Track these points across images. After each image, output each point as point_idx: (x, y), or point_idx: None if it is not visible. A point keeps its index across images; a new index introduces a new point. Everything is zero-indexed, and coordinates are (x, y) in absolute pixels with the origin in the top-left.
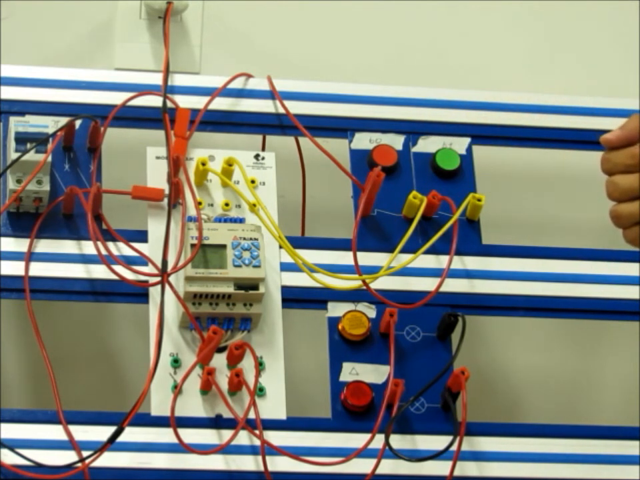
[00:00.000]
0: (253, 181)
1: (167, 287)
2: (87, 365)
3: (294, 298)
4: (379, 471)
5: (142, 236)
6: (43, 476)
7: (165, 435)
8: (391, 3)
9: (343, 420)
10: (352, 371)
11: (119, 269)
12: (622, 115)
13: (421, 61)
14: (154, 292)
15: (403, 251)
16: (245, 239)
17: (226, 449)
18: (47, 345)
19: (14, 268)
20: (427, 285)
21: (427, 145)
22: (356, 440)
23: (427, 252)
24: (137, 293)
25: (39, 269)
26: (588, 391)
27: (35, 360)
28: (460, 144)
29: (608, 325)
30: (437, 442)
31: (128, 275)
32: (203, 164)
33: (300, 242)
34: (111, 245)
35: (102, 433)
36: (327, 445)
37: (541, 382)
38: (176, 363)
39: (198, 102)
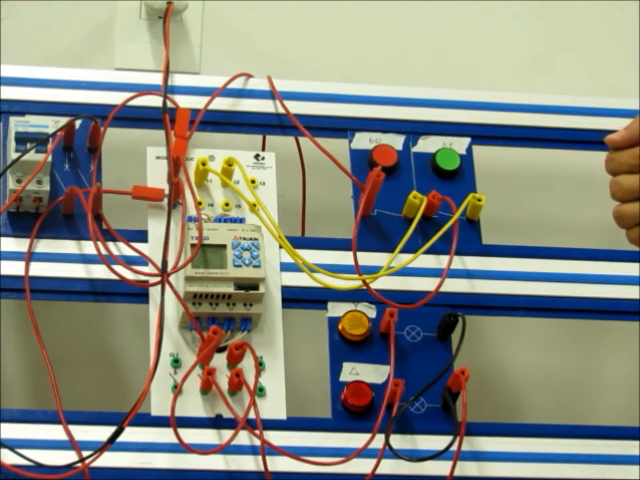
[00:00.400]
0: (253, 181)
1: (167, 287)
2: (87, 365)
3: (294, 298)
4: (379, 471)
5: (142, 236)
6: (43, 476)
7: (165, 435)
8: (391, 3)
9: (343, 420)
10: (352, 371)
11: (119, 269)
12: (622, 115)
13: (421, 61)
14: (154, 292)
15: (403, 251)
16: (245, 239)
17: (226, 449)
18: (47, 344)
19: (14, 268)
20: (426, 285)
21: (427, 144)
22: (356, 440)
23: (427, 252)
24: (137, 293)
25: (39, 269)
26: (588, 390)
27: (35, 360)
28: (460, 144)
29: (608, 324)
30: (437, 442)
31: (128, 275)
32: (203, 164)
33: (300, 242)
34: (111, 244)
35: (102, 432)
36: (327, 444)
37: (541, 382)
38: (176, 363)
39: (198, 102)
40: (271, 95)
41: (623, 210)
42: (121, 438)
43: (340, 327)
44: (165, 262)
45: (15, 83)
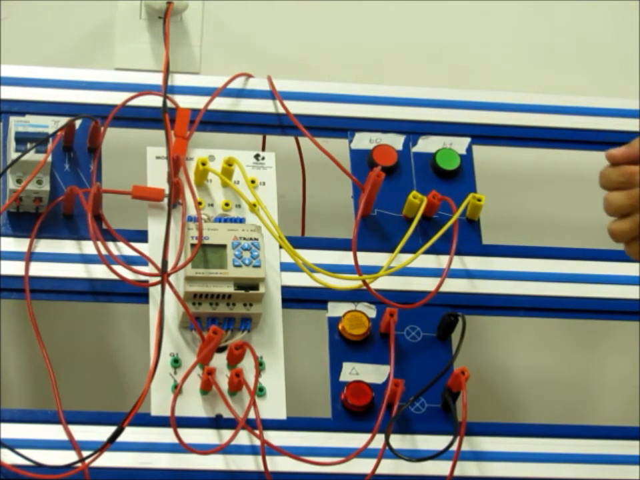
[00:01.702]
0: (253, 181)
1: (167, 287)
2: (87, 365)
3: (294, 298)
4: (379, 471)
5: (142, 236)
6: (43, 476)
7: (165, 435)
8: (391, 2)
9: (343, 420)
10: (352, 371)
11: (119, 269)
12: (622, 115)
13: (421, 61)
14: (154, 292)
15: (403, 251)
16: (245, 238)
17: (226, 449)
18: (47, 344)
19: (14, 268)
20: (427, 285)
21: (427, 145)
22: (356, 440)
23: (427, 252)
24: (137, 293)
25: (39, 269)
26: (588, 390)
27: (35, 360)
28: (460, 144)
29: (608, 324)
30: (437, 442)
31: (128, 275)
32: (203, 164)
33: (300, 242)
34: (111, 244)
35: (102, 433)
36: (327, 444)
37: (541, 382)
38: (176, 363)
39: (198, 102)
40: (271, 95)
41: (614, 227)
42: (121, 438)
43: (340, 327)
44: (165, 262)
45: (15, 83)
